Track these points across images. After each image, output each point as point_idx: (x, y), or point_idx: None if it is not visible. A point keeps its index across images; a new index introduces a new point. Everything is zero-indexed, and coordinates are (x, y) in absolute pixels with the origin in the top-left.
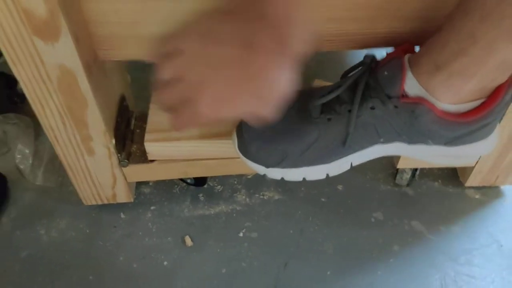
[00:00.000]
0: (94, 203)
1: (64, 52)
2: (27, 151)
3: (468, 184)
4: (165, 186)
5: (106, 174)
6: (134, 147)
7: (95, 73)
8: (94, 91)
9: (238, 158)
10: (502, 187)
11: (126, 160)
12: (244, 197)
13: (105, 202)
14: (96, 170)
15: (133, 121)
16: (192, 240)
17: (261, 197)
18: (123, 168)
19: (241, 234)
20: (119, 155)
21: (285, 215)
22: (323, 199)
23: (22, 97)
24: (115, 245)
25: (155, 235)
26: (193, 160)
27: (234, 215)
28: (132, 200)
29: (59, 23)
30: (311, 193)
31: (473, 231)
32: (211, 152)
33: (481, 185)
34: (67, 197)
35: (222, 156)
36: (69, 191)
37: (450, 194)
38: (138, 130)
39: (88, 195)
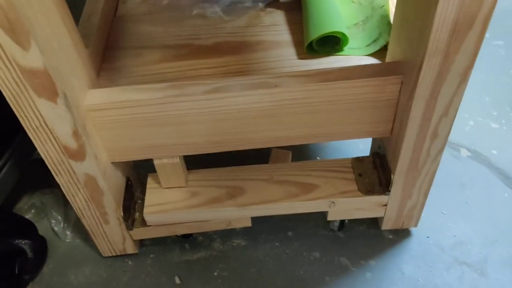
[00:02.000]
0: (109, 254)
1: (88, 166)
2: (59, 217)
3: (383, 228)
4: (160, 239)
5: (118, 235)
6: (137, 215)
7: (109, 174)
8: (108, 185)
9: (213, 220)
10: (410, 228)
11: (131, 226)
12: (218, 244)
13: (118, 254)
14: (111, 233)
15: (136, 194)
16: (180, 279)
17: (232, 244)
18: (130, 231)
19: (215, 273)
20: (126, 222)
21: (249, 257)
22: (277, 243)
23: None
24: (125, 285)
25: (154, 276)
26: (180, 223)
27: (211, 259)
28: (137, 251)
29: (84, 151)
30: (269, 238)
31: (384, 263)
32: (193, 218)
33: (393, 228)
34: (89, 251)
35: (202, 219)
36: (91, 246)
37: (371, 236)
38: (139, 201)
39: (105, 249)
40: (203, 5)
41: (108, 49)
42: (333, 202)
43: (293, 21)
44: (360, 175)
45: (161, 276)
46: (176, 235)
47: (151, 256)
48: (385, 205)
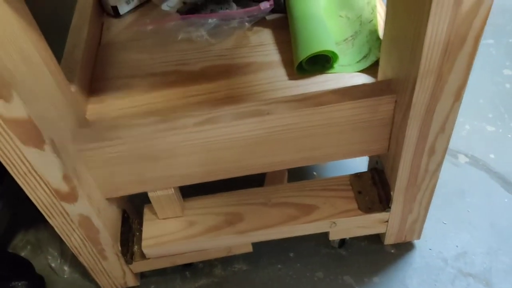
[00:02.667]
0: None
1: (81, 207)
2: (55, 253)
3: (386, 242)
4: (160, 269)
5: (117, 270)
6: (135, 248)
7: (103, 211)
8: (104, 223)
9: (212, 248)
10: (413, 241)
11: (130, 260)
12: (220, 270)
13: (119, 287)
14: (110, 268)
15: (133, 226)
16: None
17: (233, 269)
18: (129, 265)
19: None
20: (125, 257)
21: (252, 282)
22: (279, 266)
23: None
24: None
25: None
26: (179, 254)
27: (213, 286)
28: (138, 283)
29: (76, 193)
30: (271, 261)
31: (388, 279)
32: (193, 248)
33: (395, 242)
34: (89, 285)
35: (201, 249)
36: (90, 280)
37: (373, 251)
38: (137, 233)
39: (106, 285)
40: (188, 29)
41: (94, 81)
42: (334, 223)
43: (281, 40)
44: (359, 192)
45: None
46: None
47: (152, 287)
48: (386, 221)
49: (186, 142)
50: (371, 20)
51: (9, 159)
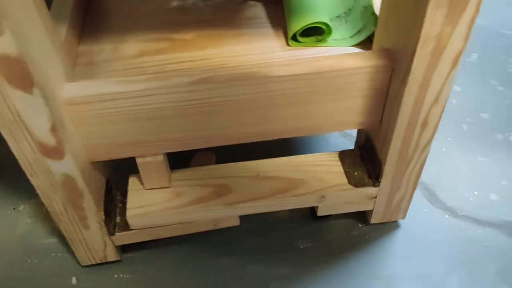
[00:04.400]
0: (89, 263)
1: (66, 165)
2: None
3: (372, 221)
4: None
5: (99, 241)
6: (118, 219)
7: (88, 174)
8: (88, 187)
9: (200, 221)
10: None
11: (113, 230)
12: None
13: (98, 262)
14: (91, 240)
15: (116, 197)
16: None
17: None
18: (112, 236)
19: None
20: (107, 227)
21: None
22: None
23: None
24: None
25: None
26: (164, 226)
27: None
28: (119, 258)
29: (63, 149)
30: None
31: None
32: (179, 219)
33: (381, 221)
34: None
35: (188, 220)
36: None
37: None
38: (120, 205)
39: (84, 258)
40: None
41: (82, 44)
42: (323, 196)
43: (274, 15)
44: (348, 168)
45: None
46: None
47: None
48: (375, 197)
49: (178, 103)
50: None
51: None
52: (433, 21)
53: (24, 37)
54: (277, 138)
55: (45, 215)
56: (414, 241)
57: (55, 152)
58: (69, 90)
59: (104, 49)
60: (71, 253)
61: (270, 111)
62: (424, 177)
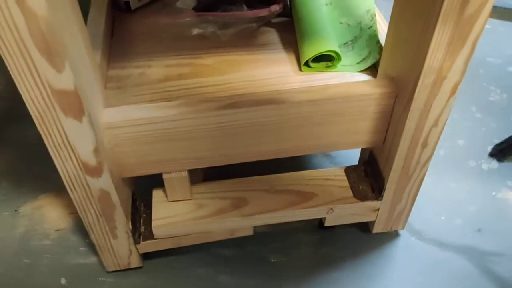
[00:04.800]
0: (114, 269)
1: (103, 182)
2: None
3: (374, 231)
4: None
5: (125, 249)
6: (142, 228)
7: (120, 189)
8: (120, 199)
9: (218, 231)
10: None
11: (138, 239)
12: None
13: (122, 268)
14: (118, 247)
15: (140, 208)
16: None
17: None
18: (137, 245)
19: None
20: (133, 236)
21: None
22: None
23: None
24: None
25: None
26: (186, 235)
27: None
28: (141, 265)
29: (102, 167)
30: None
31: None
32: (200, 229)
33: (383, 231)
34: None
35: (208, 230)
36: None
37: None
38: (144, 215)
39: (110, 264)
40: (202, 26)
41: (110, 69)
42: (331, 209)
43: (286, 41)
44: (353, 182)
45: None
46: None
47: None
48: (377, 210)
49: (206, 125)
50: (371, 27)
51: (47, 129)
52: (434, 56)
53: (78, 71)
54: (293, 155)
55: (42, 218)
56: (378, 260)
57: (95, 171)
58: (109, 115)
59: (132, 74)
60: (64, 254)
61: (288, 131)
62: None
